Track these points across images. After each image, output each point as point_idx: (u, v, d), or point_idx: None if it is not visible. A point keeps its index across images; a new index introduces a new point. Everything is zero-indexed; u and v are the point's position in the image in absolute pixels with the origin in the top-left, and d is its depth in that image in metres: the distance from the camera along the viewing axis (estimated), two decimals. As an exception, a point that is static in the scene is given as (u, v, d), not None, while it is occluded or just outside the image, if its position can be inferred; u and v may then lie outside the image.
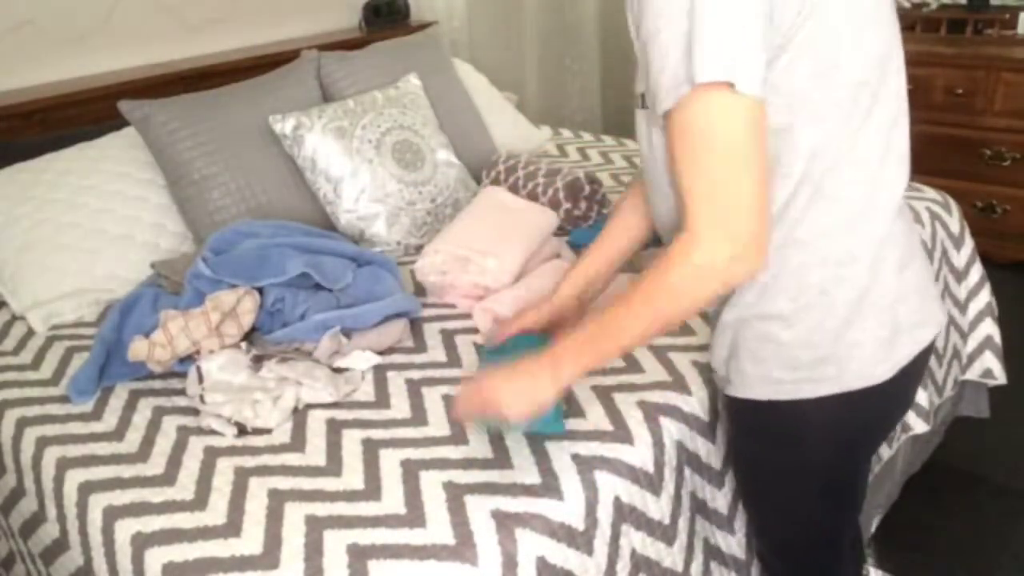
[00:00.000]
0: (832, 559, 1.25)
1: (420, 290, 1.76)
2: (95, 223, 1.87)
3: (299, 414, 1.37)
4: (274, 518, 1.14)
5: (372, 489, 1.18)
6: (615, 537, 1.21)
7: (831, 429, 1.06)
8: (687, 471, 1.33)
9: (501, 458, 1.23)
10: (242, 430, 1.33)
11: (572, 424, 1.29)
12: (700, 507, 1.36)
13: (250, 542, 1.11)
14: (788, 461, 1.12)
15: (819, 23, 0.89)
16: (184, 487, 1.23)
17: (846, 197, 0.97)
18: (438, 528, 1.10)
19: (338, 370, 1.47)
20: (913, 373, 1.06)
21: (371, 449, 1.27)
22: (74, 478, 1.29)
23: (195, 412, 1.39)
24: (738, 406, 1.12)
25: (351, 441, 1.29)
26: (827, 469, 1.12)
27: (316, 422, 1.34)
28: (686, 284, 0.92)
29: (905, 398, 1.13)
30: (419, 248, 1.92)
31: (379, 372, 1.47)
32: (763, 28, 0.85)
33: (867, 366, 1.01)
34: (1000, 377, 2.11)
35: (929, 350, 1.07)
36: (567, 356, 1.04)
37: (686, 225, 0.90)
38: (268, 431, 1.33)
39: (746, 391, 1.08)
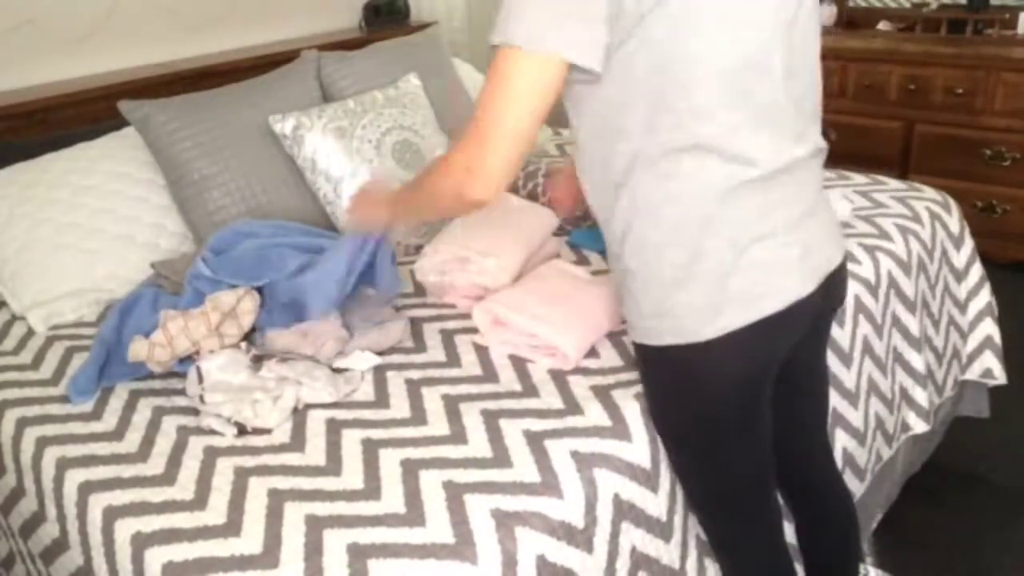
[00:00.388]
0: (755, 510, 1.30)
1: (420, 290, 1.76)
2: (95, 223, 1.87)
3: (299, 414, 1.37)
4: (274, 518, 1.14)
5: (372, 489, 1.18)
6: (615, 535, 1.21)
7: (683, 375, 1.15)
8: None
9: (500, 457, 1.23)
10: (242, 430, 1.33)
11: (570, 421, 1.29)
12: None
13: (250, 542, 1.11)
14: (676, 402, 1.20)
15: (659, 19, 0.97)
16: (184, 487, 1.23)
17: (680, 174, 1.05)
18: (438, 527, 1.10)
19: (338, 370, 1.47)
20: (756, 335, 1.11)
21: (371, 449, 1.27)
22: (74, 478, 1.29)
23: (195, 412, 1.39)
24: (639, 352, 1.22)
25: (351, 441, 1.29)
26: (704, 412, 1.18)
27: (316, 422, 1.35)
28: (437, 175, 1.15)
29: (759, 355, 1.16)
30: (419, 248, 1.92)
31: (379, 372, 1.47)
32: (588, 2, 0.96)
33: (693, 325, 1.10)
34: (1000, 377, 2.11)
35: (785, 315, 1.12)
36: (396, 204, 1.36)
37: (459, 135, 1.10)
38: (268, 431, 1.33)
39: (631, 335, 1.20)
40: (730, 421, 1.19)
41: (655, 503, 1.27)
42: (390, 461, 1.23)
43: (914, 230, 1.90)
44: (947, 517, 2.05)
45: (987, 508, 2.07)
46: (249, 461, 1.26)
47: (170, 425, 1.37)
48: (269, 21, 2.77)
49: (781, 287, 1.12)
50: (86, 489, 1.26)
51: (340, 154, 1.97)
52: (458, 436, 1.28)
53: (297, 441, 1.31)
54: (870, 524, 1.88)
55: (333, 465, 1.24)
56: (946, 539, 1.98)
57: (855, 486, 1.72)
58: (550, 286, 1.59)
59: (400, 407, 1.37)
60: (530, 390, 1.39)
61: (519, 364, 1.46)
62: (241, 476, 1.23)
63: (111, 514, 1.20)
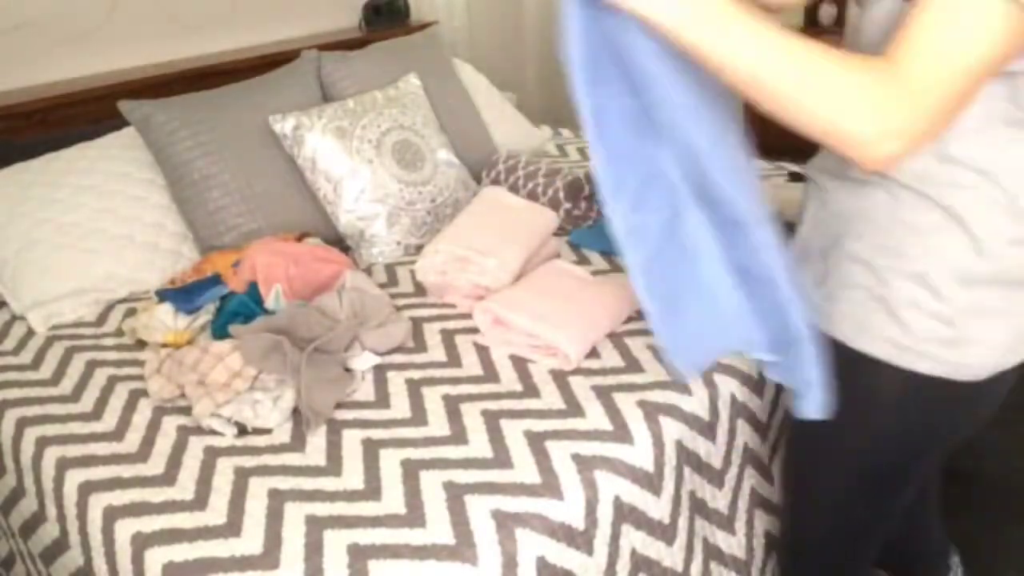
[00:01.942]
0: (858, 561, 1.23)
1: (420, 290, 1.76)
2: (95, 223, 1.87)
3: (299, 414, 1.37)
4: (274, 518, 1.14)
5: (372, 489, 1.18)
6: (615, 537, 1.21)
7: (918, 411, 1.03)
8: (687, 471, 1.33)
9: (501, 458, 1.23)
10: (242, 430, 1.33)
11: (572, 423, 1.29)
12: (700, 507, 1.37)
13: (250, 542, 1.11)
14: (854, 427, 1.07)
15: None
16: (184, 487, 1.23)
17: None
18: (438, 528, 1.10)
19: (338, 370, 1.47)
20: (1008, 379, 1.04)
21: (371, 449, 1.27)
22: (74, 478, 1.29)
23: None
24: (837, 351, 1.04)
25: (351, 441, 1.29)
26: (884, 452, 1.08)
27: (316, 422, 1.34)
28: (842, 92, 0.79)
29: (996, 402, 1.09)
30: (419, 248, 1.92)
31: (379, 372, 1.47)
32: None
33: (986, 362, 0.99)
34: (1000, 377, 2.10)
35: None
36: (713, 10, 0.82)
37: (889, 60, 0.79)
38: (268, 431, 1.33)
39: (862, 344, 1.03)
40: (911, 467, 1.10)
41: (657, 506, 1.27)
42: (390, 461, 1.23)
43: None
44: (947, 517, 2.04)
45: (987, 508, 2.07)
46: (249, 461, 1.26)
47: (170, 425, 1.37)
48: (269, 21, 2.77)
49: None
50: (86, 489, 1.26)
51: (340, 154, 1.97)
52: (459, 436, 1.28)
53: (297, 441, 1.31)
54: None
55: (333, 465, 1.24)
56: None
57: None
58: (550, 286, 1.59)
59: (400, 407, 1.37)
60: (531, 390, 1.39)
61: (520, 364, 1.46)
62: (241, 476, 1.23)
63: (111, 514, 1.20)
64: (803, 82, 0.80)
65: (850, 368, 1.04)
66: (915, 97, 0.78)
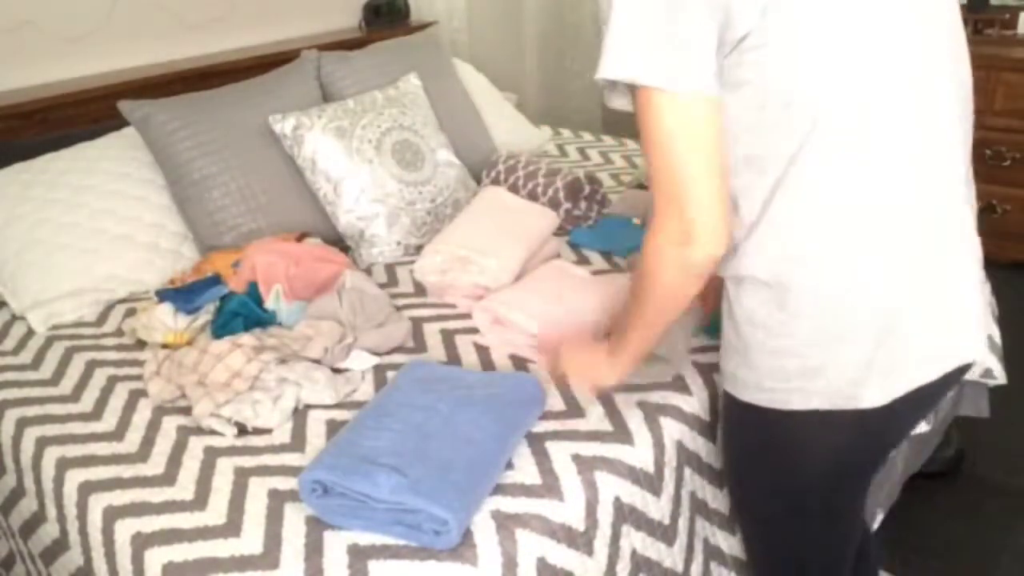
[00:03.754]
0: None
1: (420, 290, 1.76)
2: (95, 223, 1.87)
3: (299, 414, 1.37)
4: (274, 518, 1.14)
5: (372, 489, 1.18)
6: (615, 538, 1.21)
7: (811, 444, 1.03)
8: (687, 471, 1.33)
9: (501, 458, 1.22)
10: (242, 430, 1.33)
11: (572, 424, 1.29)
12: (700, 507, 1.36)
13: (250, 542, 1.11)
14: (770, 470, 1.10)
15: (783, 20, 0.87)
16: (184, 487, 1.22)
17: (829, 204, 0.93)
18: (438, 528, 1.10)
19: (338, 370, 1.47)
20: (911, 404, 1.01)
21: (371, 449, 1.26)
22: (74, 478, 1.28)
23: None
24: (732, 404, 1.09)
25: (351, 441, 1.29)
26: (806, 486, 1.08)
27: (316, 422, 1.34)
28: (654, 268, 0.97)
29: (903, 427, 1.09)
30: (419, 248, 1.92)
31: (379, 372, 1.47)
32: (697, 21, 0.86)
33: (851, 388, 0.97)
34: (1000, 377, 2.10)
35: (942, 383, 1.01)
36: (618, 349, 1.14)
37: (653, 211, 0.95)
38: (268, 431, 1.33)
39: (741, 393, 1.06)
40: (841, 495, 1.09)
41: (657, 507, 1.27)
42: (390, 462, 1.23)
43: (914, 230, 1.90)
44: (947, 517, 2.05)
45: (987, 508, 2.07)
46: (249, 461, 1.26)
47: (170, 425, 1.37)
48: (269, 21, 2.77)
49: (945, 346, 1.00)
50: (86, 489, 1.26)
51: (340, 154, 1.97)
52: (458, 437, 1.28)
53: (297, 441, 1.30)
54: (871, 524, 1.88)
55: (333, 466, 1.24)
56: (946, 539, 1.98)
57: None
58: (550, 286, 1.59)
59: (400, 407, 1.37)
60: (530, 391, 1.38)
61: (519, 364, 1.46)
62: (241, 476, 1.23)
63: (111, 514, 1.20)
64: (644, 311, 1.04)
65: (747, 419, 1.07)
66: (678, 207, 0.91)
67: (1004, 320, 2.15)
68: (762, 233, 0.96)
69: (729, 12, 0.86)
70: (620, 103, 0.95)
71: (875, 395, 0.97)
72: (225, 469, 1.25)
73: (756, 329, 0.99)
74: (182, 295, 1.64)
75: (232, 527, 1.14)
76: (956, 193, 0.99)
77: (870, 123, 0.91)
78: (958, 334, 1.02)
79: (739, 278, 1.00)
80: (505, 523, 1.11)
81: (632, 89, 0.91)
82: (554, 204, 1.99)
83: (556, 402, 1.34)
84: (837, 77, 0.90)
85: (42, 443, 1.38)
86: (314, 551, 1.08)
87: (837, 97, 0.90)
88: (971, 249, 1.04)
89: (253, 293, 1.63)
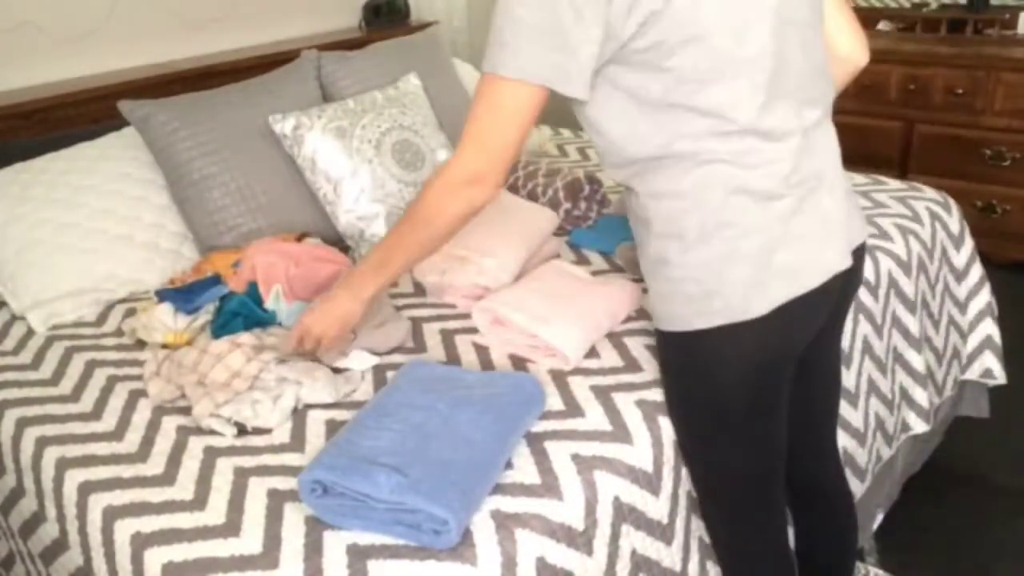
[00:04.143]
0: (761, 505, 1.30)
1: (420, 290, 1.76)
2: (95, 223, 1.87)
3: (299, 414, 1.37)
4: (274, 518, 1.14)
5: (372, 489, 1.18)
6: (615, 537, 1.21)
7: (727, 359, 1.16)
8: (685, 470, 1.33)
9: (501, 458, 1.22)
10: (242, 430, 1.33)
11: (571, 424, 1.29)
12: (696, 506, 1.37)
13: (250, 542, 1.11)
14: (697, 391, 1.21)
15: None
16: (184, 487, 1.23)
17: (709, 157, 1.09)
18: (438, 528, 1.10)
19: (337, 370, 1.47)
20: (808, 311, 1.16)
21: (371, 449, 1.26)
22: (74, 478, 1.29)
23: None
24: (659, 338, 1.24)
25: (351, 441, 1.29)
26: (732, 400, 1.19)
27: (316, 422, 1.34)
28: (443, 200, 1.17)
29: (798, 335, 1.20)
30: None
31: (379, 372, 1.47)
32: (565, 24, 1.02)
33: (746, 301, 1.11)
34: (1000, 377, 2.11)
35: (823, 293, 1.16)
36: (364, 278, 1.31)
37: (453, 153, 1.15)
38: (268, 431, 1.33)
39: (660, 323, 1.21)
40: (754, 405, 1.20)
41: (656, 506, 1.27)
42: (390, 461, 1.23)
43: (914, 230, 1.90)
44: (947, 517, 2.05)
45: (987, 508, 2.07)
46: (249, 461, 1.26)
47: (170, 425, 1.37)
48: (269, 21, 2.77)
49: (818, 259, 1.15)
50: (86, 489, 1.26)
51: (340, 154, 1.97)
52: (458, 436, 1.28)
53: (297, 441, 1.31)
54: (870, 524, 1.88)
55: (333, 465, 1.24)
56: (946, 539, 1.98)
57: (855, 486, 1.72)
58: (550, 286, 1.59)
59: (400, 407, 1.37)
60: (530, 390, 1.38)
61: (519, 364, 1.46)
62: (241, 476, 1.23)
63: (111, 514, 1.20)
64: (410, 231, 1.23)
65: (671, 346, 1.22)
66: (473, 153, 1.15)
67: (1004, 320, 2.16)
68: (656, 180, 1.13)
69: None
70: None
71: (761, 305, 1.12)
72: (225, 469, 1.25)
73: (663, 265, 1.15)
74: (182, 295, 1.64)
75: (232, 527, 1.14)
76: (820, 130, 1.18)
77: (745, 68, 1.07)
78: (827, 249, 1.17)
79: (646, 220, 1.15)
80: (505, 523, 1.11)
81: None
82: (554, 204, 1.99)
83: (556, 402, 1.34)
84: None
85: (42, 443, 1.38)
86: (314, 551, 1.08)
87: (718, 38, 1.04)
88: (835, 166, 1.22)
89: (253, 293, 1.63)
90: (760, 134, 1.09)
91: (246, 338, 1.48)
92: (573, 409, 1.32)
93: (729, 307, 1.12)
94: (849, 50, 1.28)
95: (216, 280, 1.70)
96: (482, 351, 1.51)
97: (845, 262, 1.18)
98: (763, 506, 1.31)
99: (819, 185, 1.16)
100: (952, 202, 2.10)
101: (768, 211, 1.11)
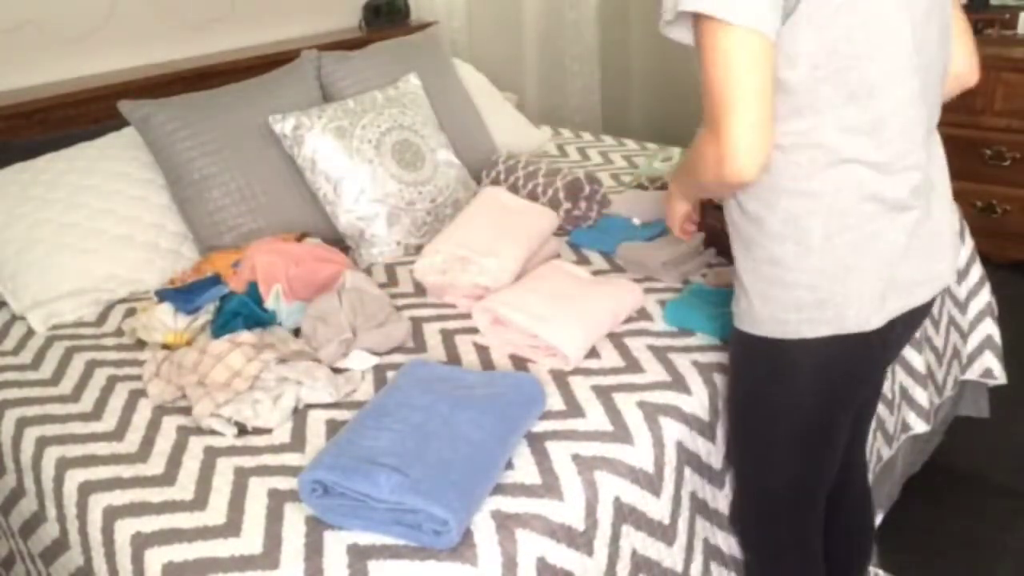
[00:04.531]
0: (804, 523, 1.29)
1: (420, 290, 1.76)
2: (95, 223, 1.87)
3: (299, 414, 1.37)
4: (274, 518, 1.14)
5: (372, 489, 1.18)
6: (615, 537, 1.21)
7: (823, 368, 1.13)
8: (687, 471, 1.33)
9: (501, 458, 1.22)
10: (242, 430, 1.33)
11: (571, 424, 1.29)
12: (700, 507, 1.36)
13: (250, 542, 1.11)
14: (779, 398, 1.18)
15: None
16: (184, 487, 1.23)
17: (851, 155, 1.03)
18: (438, 528, 1.10)
19: (338, 370, 1.47)
20: (906, 325, 1.15)
21: (371, 449, 1.26)
22: (74, 478, 1.29)
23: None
24: (745, 340, 1.18)
25: (351, 441, 1.29)
26: (812, 410, 1.17)
27: (316, 422, 1.34)
28: (698, 164, 1.05)
29: (894, 348, 1.20)
30: (419, 248, 1.92)
31: (379, 372, 1.47)
32: None
33: (863, 313, 1.08)
34: (1000, 377, 2.11)
35: (926, 307, 1.15)
36: (674, 185, 1.32)
37: (704, 121, 1.02)
38: (268, 431, 1.33)
39: (755, 327, 1.15)
40: (834, 416, 1.18)
41: (657, 507, 1.27)
42: (390, 462, 1.23)
43: (914, 230, 1.90)
44: (947, 517, 2.05)
45: (987, 508, 2.07)
46: (249, 461, 1.26)
47: (170, 425, 1.37)
48: (269, 21, 2.77)
49: (930, 272, 1.13)
50: (86, 489, 1.26)
51: (340, 154, 1.97)
52: (458, 436, 1.28)
53: (297, 441, 1.31)
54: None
55: (333, 465, 1.24)
56: (946, 539, 1.98)
57: (855, 486, 1.73)
58: (550, 286, 1.59)
59: (400, 407, 1.37)
60: (530, 390, 1.38)
61: (519, 364, 1.46)
62: (241, 476, 1.23)
63: (111, 514, 1.20)
64: (693, 168, 1.09)
65: (759, 350, 1.17)
66: (716, 130, 0.98)
67: (1004, 320, 2.16)
68: (781, 174, 1.06)
69: None
70: (678, 34, 1.03)
71: (877, 318, 1.08)
72: (225, 469, 1.25)
73: (773, 267, 1.09)
74: (182, 295, 1.64)
75: (232, 527, 1.14)
76: (933, 140, 1.17)
77: (881, 89, 1.02)
78: (940, 262, 1.15)
79: (757, 216, 1.09)
80: (505, 523, 1.11)
81: (694, 19, 0.98)
82: (554, 204, 1.99)
83: (556, 402, 1.34)
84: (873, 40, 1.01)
85: (42, 443, 1.38)
86: (314, 551, 1.08)
87: (869, 63, 1.00)
88: (945, 189, 1.20)
89: (253, 293, 1.63)
90: (906, 136, 1.05)
91: (246, 336, 1.48)
92: (574, 409, 1.32)
93: (842, 317, 1.08)
94: (962, 68, 1.23)
95: (216, 280, 1.70)
96: (482, 351, 1.51)
97: (952, 276, 1.16)
98: (805, 519, 1.29)
99: (934, 196, 1.13)
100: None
101: (896, 221, 1.07)
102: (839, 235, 1.05)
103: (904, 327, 1.16)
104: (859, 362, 1.14)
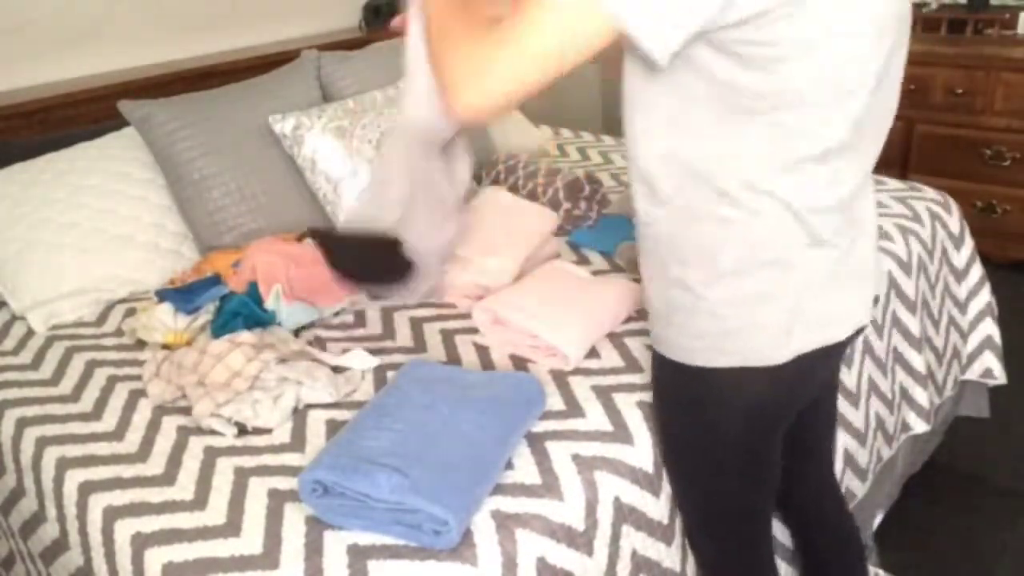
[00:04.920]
0: (751, 536, 1.27)
1: (420, 290, 1.76)
2: (95, 223, 1.87)
3: (299, 414, 1.37)
4: (274, 518, 1.14)
5: (372, 489, 1.18)
6: (615, 537, 1.21)
7: (733, 400, 1.09)
8: (687, 471, 1.33)
9: (501, 458, 1.22)
10: (242, 430, 1.33)
11: (572, 424, 1.29)
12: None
13: (250, 542, 1.11)
14: (692, 427, 1.16)
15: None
16: (184, 487, 1.22)
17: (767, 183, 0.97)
18: (438, 528, 1.10)
19: (337, 370, 1.47)
20: (816, 362, 1.08)
21: (371, 449, 1.26)
22: (74, 478, 1.29)
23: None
24: (659, 363, 1.16)
25: (351, 441, 1.29)
26: (733, 441, 1.13)
27: (316, 422, 1.34)
28: (459, 47, 0.95)
29: (811, 381, 1.15)
30: (419, 248, 1.92)
31: (379, 372, 1.47)
32: None
33: (766, 348, 1.04)
34: (1000, 377, 2.11)
35: (844, 344, 1.10)
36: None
37: (501, 30, 0.92)
38: (268, 431, 1.33)
39: (666, 352, 1.12)
40: (750, 447, 1.14)
41: (657, 507, 1.27)
42: (390, 462, 1.23)
43: (914, 230, 1.90)
44: (947, 517, 2.05)
45: (987, 508, 2.07)
46: (249, 461, 1.26)
47: (170, 425, 1.37)
48: (269, 21, 2.77)
49: (845, 311, 1.08)
50: (86, 489, 1.26)
51: (340, 154, 1.97)
52: (458, 436, 1.28)
53: (297, 441, 1.31)
54: (871, 524, 1.88)
55: (333, 466, 1.24)
56: (946, 539, 1.98)
57: (856, 486, 1.73)
58: (550, 286, 1.59)
59: (400, 407, 1.37)
60: (530, 390, 1.38)
61: (519, 364, 1.46)
62: (241, 476, 1.23)
63: (111, 514, 1.20)
64: (446, 35, 0.98)
65: (676, 378, 1.13)
66: (496, 64, 0.91)
67: (1004, 320, 2.16)
68: (698, 197, 1.00)
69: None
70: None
71: (783, 353, 1.04)
72: (225, 469, 1.25)
73: (679, 289, 1.05)
74: (182, 295, 1.64)
75: (232, 527, 1.14)
76: (868, 179, 1.08)
77: (814, 116, 0.95)
78: (858, 301, 1.10)
79: (670, 237, 1.04)
80: (505, 523, 1.11)
81: None
82: (554, 204, 1.99)
83: (556, 402, 1.34)
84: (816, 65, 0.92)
85: (42, 443, 1.38)
86: (314, 551, 1.08)
87: (808, 83, 0.92)
88: (873, 213, 1.12)
89: (253, 293, 1.63)
90: (833, 171, 0.98)
91: (246, 338, 1.48)
92: (574, 409, 1.32)
93: (745, 350, 1.04)
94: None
95: (216, 280, 1.70)
96: (482, 351, 1.51)
97: (868, 316, 1.12)
98: (753, 537, 1.27)
99: (860, 233, 1.07)
100: (952, 202, 2.10)
101: (817, 256, 1.02)
102: (755, 268, 1.01)
103: (822, 364, 1.12)
104: (765, 398, 1.09)
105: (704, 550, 1.30)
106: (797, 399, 1.14)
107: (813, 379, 1.14)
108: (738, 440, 1.13)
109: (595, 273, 1.73)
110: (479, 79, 0.92)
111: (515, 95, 0.93)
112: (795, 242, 1.00)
